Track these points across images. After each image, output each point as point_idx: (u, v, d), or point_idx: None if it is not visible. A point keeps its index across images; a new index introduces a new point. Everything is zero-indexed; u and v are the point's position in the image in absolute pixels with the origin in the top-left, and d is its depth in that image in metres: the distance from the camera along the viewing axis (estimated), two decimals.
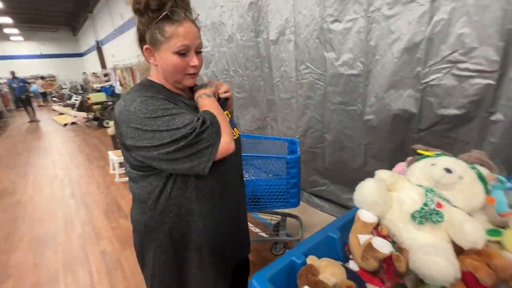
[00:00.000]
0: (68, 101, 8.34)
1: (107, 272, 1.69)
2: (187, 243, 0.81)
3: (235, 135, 0.90)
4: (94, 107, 6.36)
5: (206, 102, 0.76)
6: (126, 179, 3.14)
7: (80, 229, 2.21)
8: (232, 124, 0.89)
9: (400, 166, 1.05)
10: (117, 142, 3.76)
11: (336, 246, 0.81)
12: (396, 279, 0.70)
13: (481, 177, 0.72)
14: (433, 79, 1.23)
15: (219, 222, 0.83)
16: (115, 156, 3.07)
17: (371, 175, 0.92)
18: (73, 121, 6.99)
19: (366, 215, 0.76)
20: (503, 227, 0.68)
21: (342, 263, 0.72)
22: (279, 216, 1.83)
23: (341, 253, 0.80)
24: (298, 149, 1.46)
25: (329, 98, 1.72)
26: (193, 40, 0.71)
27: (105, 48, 8.64)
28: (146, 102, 0.67)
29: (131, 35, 0.77)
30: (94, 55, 9.90)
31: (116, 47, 7.15)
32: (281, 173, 1.44)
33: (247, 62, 2.26)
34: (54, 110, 9.33)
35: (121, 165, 3.24)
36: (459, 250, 0.66)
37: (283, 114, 2.12)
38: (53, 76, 13.78)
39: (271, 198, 1.47)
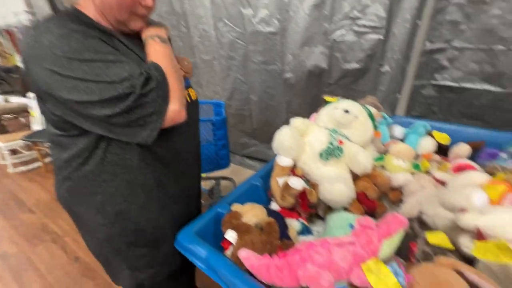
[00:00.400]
0: None
1: (14, 276, 1.43)
2: (125, 225, 0.66)
3: (192, 97, 0.76)
4: None
5: (158, 48, 0.58)
6: (22, 168, 2.59)
7: None
8: (187, 84, 0.74)
9: (314, 116, 1.15)
10: (3, 125, 2.99)
11: (260, 193, 0.87)
12: (310, 210, 0.81)
13: (371, 115, 0.86)
14: (338, 36, 1.35)
15: (166, 200, 0.69)
16: (2, 143, 2.44)
17: None
18: None
19: (283, 160, 0.82)
20: (385, 154, 0.85)
21: (264, 206, 0.78)
22: (213, 181, 1.84)
23: (265, 198, 0.86)
24: (223, 111, 1.44)
25: (251, 58, 1.71)
26: None
27: None
28: (68, 37, 0.48)
29: None
30: None
31: None
32: (209, 137, 1.42)
33: (161, 20, 2.01)
34: None
35: (13, 152, 2.62)
36: (355, 177, 0.80)
37: (206, 77, 2.02)
38: None
39: (202, 163, 1.45)
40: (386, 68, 1.32)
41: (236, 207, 0.71)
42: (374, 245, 0.48)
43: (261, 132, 2.05)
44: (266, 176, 0.88)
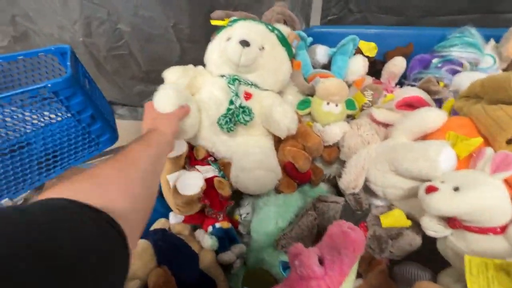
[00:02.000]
0: None
1: None
2: None
3: None
4: None
5: None
6: None
7: None
8: None
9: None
10: None
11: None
12: (227, 204, 0.57)
13: (283, 40, 0.56)
14: None
15: None
16: None
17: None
18: None
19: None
20: (311, 95, 0.61)
21: (152, 239, 0.49)
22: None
23: (162, 209, 0.58)
24: (68, 63, 0.89)
25: None
26: None
27: None
28: None
29: None
30: None
31: None
32: (62, 114, 0.92)
33: None
34: None
35: None
36: (278, 139, 0.56)
37: (33, 4, 1.26)
38: None
39: (70, 149, 0.99)
40: None
41: None
42: None
43: (156, 74, 1.50)
44: None
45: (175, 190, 0.46)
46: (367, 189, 0.50)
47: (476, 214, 0.32)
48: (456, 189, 0.33)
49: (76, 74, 0.86)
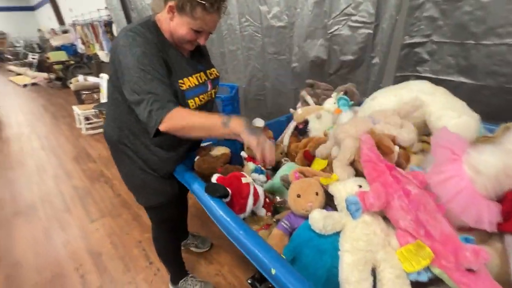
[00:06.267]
0: (24, 60, 7.80)
1: (81, 200, 2.01)
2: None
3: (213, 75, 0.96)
4: (55, 66, 6.07)
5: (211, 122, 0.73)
6: (93, 132, 3.32)
7: (52, 172, 2.45)
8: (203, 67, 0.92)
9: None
10: (82, 98, 3.82)
11: (236, 144, 1.15)
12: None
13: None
14: (335, 30, 1.53)
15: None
16: (79, 110, 3.18)
17: None
18: (33, 81, 6.65)
19: (257, 122, 1.10)
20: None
21: (234, 151, 1.06)
22: None
23: (239, 147, 1.15)
24: (234, 91, 1.75)
25: (266, 49, 1.97)
26: (212, 27, 0.79)
27: (61, 0, 7.84)
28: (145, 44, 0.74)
29: None
30: (48, 8, 8.93)
31: None
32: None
33: None
34: (10, 70, 8.67)
35: (86, 119, 3.38)
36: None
37: (232, 65, 2.35)
38: (3, 33, 12.35)
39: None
40: (376, 60, 1.46)
41: (209, 145, 1.03)
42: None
43: (275, 116, 2.30)
44: None
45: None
46: None
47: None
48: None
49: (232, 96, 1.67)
